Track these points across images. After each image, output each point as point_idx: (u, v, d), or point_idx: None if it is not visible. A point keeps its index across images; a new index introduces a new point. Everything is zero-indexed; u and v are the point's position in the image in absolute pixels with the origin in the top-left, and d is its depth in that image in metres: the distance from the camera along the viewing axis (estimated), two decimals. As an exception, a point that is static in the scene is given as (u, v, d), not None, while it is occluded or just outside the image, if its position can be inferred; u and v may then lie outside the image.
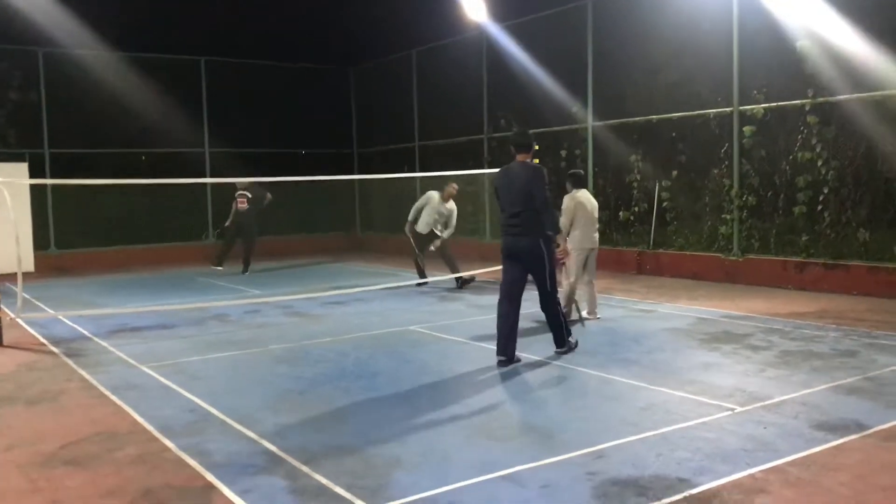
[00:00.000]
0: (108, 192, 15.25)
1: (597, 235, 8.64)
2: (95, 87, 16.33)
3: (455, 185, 11.92)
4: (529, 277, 6.72)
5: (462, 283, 11.50)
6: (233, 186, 14.32)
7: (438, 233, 11.70)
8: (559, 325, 6.91)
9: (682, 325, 8.11)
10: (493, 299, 10.31)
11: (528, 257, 6.63)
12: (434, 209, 11.71)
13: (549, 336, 7.39)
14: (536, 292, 6.76)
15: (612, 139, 13.46)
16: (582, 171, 9.17)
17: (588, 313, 8.55)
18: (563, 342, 6.95)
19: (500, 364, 6.60)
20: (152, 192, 15.52)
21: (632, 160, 12.95)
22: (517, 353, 6.71)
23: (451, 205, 11.80)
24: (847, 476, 3.96)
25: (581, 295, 8.50)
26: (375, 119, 19.77)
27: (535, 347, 7.20)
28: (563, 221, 8.20)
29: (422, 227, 11.76)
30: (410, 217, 11.88)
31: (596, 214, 8.61)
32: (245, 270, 13.81)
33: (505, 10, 15.01)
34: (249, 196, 13.62)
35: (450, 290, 11.42)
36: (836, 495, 3.73)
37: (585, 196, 8.58)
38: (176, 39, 16.96)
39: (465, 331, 8.16)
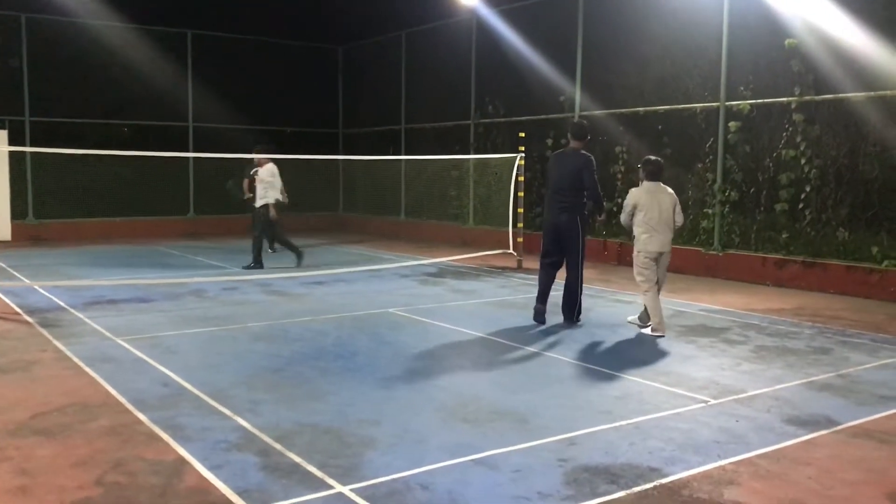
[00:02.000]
0: (88, 162, 15.05)
1: (667, 237, 7.34)
2: (79, 56, 16.12)
3: (259, 149, 11.78)
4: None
5: (250, 265, 11.44)
6: (214, 162, 14.17)
7: (266, 200, 11.42)
8: (574, 302, 7.64)
9: (660, 316, 8.13)
10: (474, 285, 10.42)
11: (565, 230, 7.51)
12: (258, 181, 11.57)
13: (529, 322, 7.45)
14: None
15: (598, 129, 13.45)
16: (658, 160, 7.47)
17: (652, 329, 7.25)
18: (572, 316, 7.64)
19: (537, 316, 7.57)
20: (133, 165, 15.36)
21: (617, 151, 12.96)
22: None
23: (266, 168, 11.48)
24: (815, 470, 4.01)
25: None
26: (362, 100, 19.64)
27: (512, 334, 7.22)
28: (623, 218, 7.49)
29: (258, 202, 11.55)
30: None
31: (667, 214, 7.25)
32: (271, 248, 13.66)
33: (496, -5, 14.94)
34: None
35: (430, 274, 11.42)
36: (803, 488, 3.78)
37: (654, 190, 7.27)
38: (163, 10, 16.73)
39: (445, 315, 8.16)
